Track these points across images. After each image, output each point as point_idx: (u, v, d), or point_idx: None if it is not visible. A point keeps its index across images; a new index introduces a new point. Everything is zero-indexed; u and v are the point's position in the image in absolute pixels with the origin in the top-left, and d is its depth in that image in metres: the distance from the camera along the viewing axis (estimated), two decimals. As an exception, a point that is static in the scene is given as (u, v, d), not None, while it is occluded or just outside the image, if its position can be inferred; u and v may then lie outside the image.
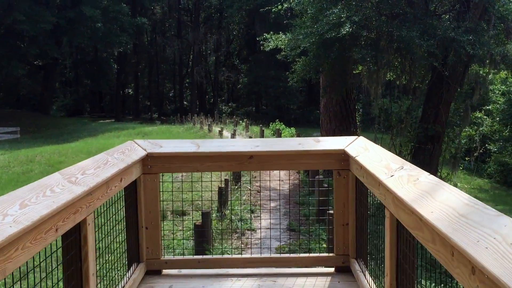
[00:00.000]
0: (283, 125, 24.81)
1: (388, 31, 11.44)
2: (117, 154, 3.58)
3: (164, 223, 8.01)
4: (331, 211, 4.27)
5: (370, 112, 40.20)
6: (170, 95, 71.84)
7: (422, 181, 2.52)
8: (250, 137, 18.82)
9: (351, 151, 3.79)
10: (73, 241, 2.70)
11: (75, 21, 40.75)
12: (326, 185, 10.02)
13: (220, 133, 22.81)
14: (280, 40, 13.86)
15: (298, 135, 18.78)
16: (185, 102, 64.16)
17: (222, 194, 9.61)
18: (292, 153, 4.05)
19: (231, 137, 20.21)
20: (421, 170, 2.75)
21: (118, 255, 3.77)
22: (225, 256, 5.58)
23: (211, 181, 8.54)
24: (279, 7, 14.36)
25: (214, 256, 5.06)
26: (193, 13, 59.24)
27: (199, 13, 60.38)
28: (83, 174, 2.83)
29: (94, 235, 2.92)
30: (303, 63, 13.47)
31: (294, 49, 12.85)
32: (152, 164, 4.02)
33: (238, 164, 4.24)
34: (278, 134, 20.70)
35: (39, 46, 40.15)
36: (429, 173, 2.62)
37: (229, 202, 10.29)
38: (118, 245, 3.79)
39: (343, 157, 3.93)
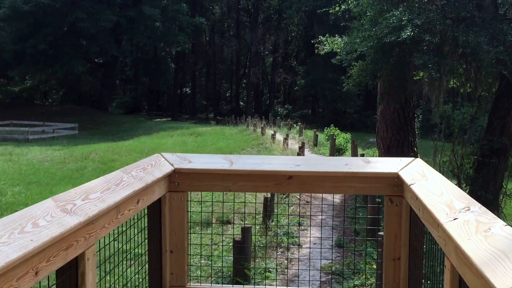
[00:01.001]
0: (338, 130, 24.04)
1: (453, 35, 10.62)
2: (137, 171, 3.13)
3: (202, 239, 7.63)
4: (381, 232, 3.72)
5: (430, 118, 38.84)
6: (227, 95, 72.09)
7: (497, 233, 1.90)
8: (303, 143, 18.24)
9: (406, 176, 3.21)
10: (67, 279, 2.24)
11: (135, 20, 41.30)
12: (378, 199, 9.39)
13: (273, 136, 22.32)
14: (336, 44, 13.21)
15: (353, 142, 18.04)
16: (241, 103, 64.18)
17: (268, 206, 9.13)
18: (338, 174, 3.49)
19: (283, 142, 19.69)
20: (494, 216, 2.14)
21: (136, 283, 3.35)
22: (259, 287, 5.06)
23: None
24: (337, 8, 13.73)
25: (246, 287, 4.56)
26: (252, 14, 59.08)
27: (258, 14, 60.19)
28: (84, 200, 2.34)
29: (95, 270, 2.44)
30: (360, 68, 12.78)
31: (350, 53, 12.16)
32: (180, 181, 3.55)
33: (275, 185, 3.70)
34: (332, 139, 20.02)
35: (99, 44, 40.93)
36: (505, 223, 2.02)
37: (275, 214, 9.80)
38: (136, 272, 3.36)
39: (396, 181, 3.35)
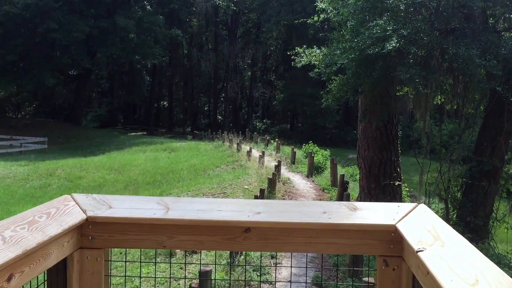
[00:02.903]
0: (317, 146, 23.04)
1: (442, 48, 9.68)
2: (16, 228, 2.03)
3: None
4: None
5: (409, 134, 38.18)
6: (205, 109, 71.08)
7: None
8: (279, 161, 17.18)
9: (408, 233, 2.16)
10: None
11: (108, 31, 40.03)
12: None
13: (249, 153, 21.24)
14: (314, 56, 12.21)
15: (332, 161, 17.04)
16: (219, 117, 63.16)
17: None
18: (313, 226, 2.40)
19: (259, 159, 18.62)
20: None
21: None
22: None
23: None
24: (315, 18, 12.77)
25: None
26: (231, 27, 58.27)
27: (237, 27, 59.44)
28: None
29: None
30: (340, 82, 11.79)
31: (329, 66, 11.11)
32: (95, 234, 2.42)
33: (227, 240, 2.58)
34: (310, 157, 19.02)
35: (71, 56, 39.55)
36: None
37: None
38: None
39: (393, 237, 2.29)
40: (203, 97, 70.82)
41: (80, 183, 21.57)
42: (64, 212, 2.32)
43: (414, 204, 2.54)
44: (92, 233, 2.39)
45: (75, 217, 2.33)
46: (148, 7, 47.51)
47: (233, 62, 56.49)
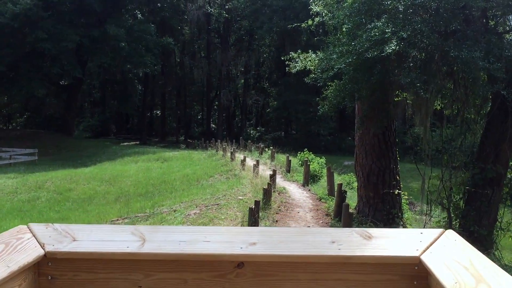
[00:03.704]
0: (312, 154, 22.56)
1: (443, 50, 9.24)
2: None
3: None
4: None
5: (405, 140, 37.79)
6: (198, 117, 70.60)
7: None
8: (274, 170, 16.67)
9: (438, 269, 1.68)
10: None
11: (99, 40, 39.45)
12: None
13: (243, 162, 20.73)
14: (309, 60, 11.72)
15: (329, 169, 16.56)
16: (213, 125, 62.70)
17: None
18: (320, 260, 1.92)
19: (253, 168, 18.13)
20: None
21: None
22: None
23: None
24: (310, 22, 12.31)
25: None
26: (223, 35, 57.90)
27: (229, 35, 59.09)
28: None
29: None
30: (336, 88, 11.34)
31: (325, 71, 10.63)
32: (56, 272, 1.93)
33: (216, 278, 2.06)
34: (306, 165, 18.53)
35: (61, 66, 38.94)
36: None
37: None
38: None
39: (416, 271, 1.82)
40: (196, 105, 70.34)
41: (70, 195, 20.99)
42: (16, 249, 1.83)
43: (439, 230, 2.05)
44: (52, 272, 1.90)
45: (30, 253, 1.84)
46: (139, 15, 47.07)
47: (226, 69, 56.10)
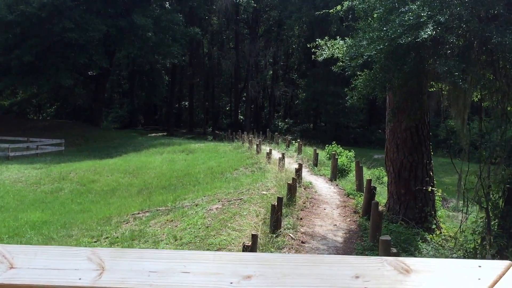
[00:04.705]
0: (340, 147, 21.78)
1: (484, 36, 8.42)
2: None
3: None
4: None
5: (437, 134, 36.63)
6: (227, 109, 70.20)
7: None
8: (300, 164, 15.98)
9: None
10: None
11: (126, 30, 39.20)
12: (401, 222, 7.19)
13: (268, 155, 20.10)
14: (337, 48, 10.99)
15: (357, 164, 15.80)
16: (241, 117, 62.21)
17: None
18: None
19: (279, 161, 17.48)
20: None
21: None
22: None
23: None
24: (338, 7, 11.57)
25: None
26: (252, 25, 57.21)
27: (258, 25, 58.39)
28: None
29: None
30: (366, 77, 10.59)
31: (354, 59, 9.88)
32: None
33: None
34: (334, 159, 17.81)
35: (89, 56, 38.84)
36: None
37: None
38: None
39: None
40: (225, 96, 69.92)
41: (93, 187, 20.70)
42: None
43: (505, 263, 1.38)
44: (-22, 312, 1.33)
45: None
46: (167, 5, 46.70)
47: (254, 60, 55.45)
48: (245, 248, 7.03)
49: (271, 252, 8.67)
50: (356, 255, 8.99)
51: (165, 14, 42.17)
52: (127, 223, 13.52)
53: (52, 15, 35.70)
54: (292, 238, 9.66)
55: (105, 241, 11.85)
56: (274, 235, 9.39)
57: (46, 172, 23.88)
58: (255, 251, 7.29)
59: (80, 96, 55.91)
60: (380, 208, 10.74)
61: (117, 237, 11.94)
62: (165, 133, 52.39)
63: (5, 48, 36.11)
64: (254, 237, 7.23)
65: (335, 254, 9.02)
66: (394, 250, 6.55)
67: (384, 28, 8.72)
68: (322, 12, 14.59)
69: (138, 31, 39.05)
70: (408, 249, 9.81)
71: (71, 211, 16.77)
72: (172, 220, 12.58)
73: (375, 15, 9.78)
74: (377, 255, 8.45)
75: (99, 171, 23.43)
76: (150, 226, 12.55)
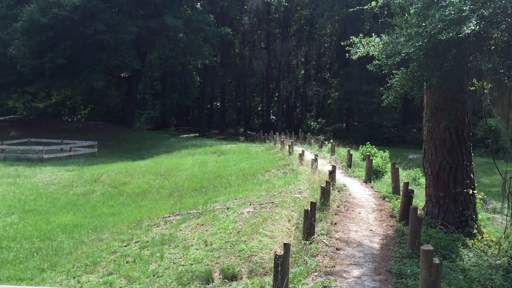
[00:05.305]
0: (375, 148, 21.20)
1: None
2: None
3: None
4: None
5: (475, 133, 35.57)
6: (259, 109, 69.94)
7: None
8: (334, 166, 15.52)
9: None
10: None
11: (157, 32, 39.25)
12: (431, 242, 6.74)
13: (301, 156, 19.67)
14: (373, 45, 10.53)
15: (393, 165, 15.27)
16: (272, 117, 61.83)
17: (279, 267, 6.57)
18: None
19: (312, 163, 17.05)
20: None
21: None
22: None
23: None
24: (373, 3, 11.12)
25: None
26: (283, 25, 56.78)
27: (289, 24, 57.93)
28: None
29: None
30: (403, 76, 10.11)
31: (391, 57, 9.40)
32: None
33: None
34: (368, 160, 17.30)
35: (121, 58, 39.02)
36: None
37: (291, 276, 7.20)
38: None
39: None
40: (256, 96, 69.67)
41: (125, 189, 20.60)
42: None
43: None
44: None
45: None
46: (198, 5, 46.65)
47: (286, 60, 55.02)
48: (277, 258, 6.67)
49: (304, 260, 8.29)
50: (394, 263, 8.56)
51: (196, 15, 42.11)
52: (157, 226, 13.31)
53: (84, 18, 35.96)
54: (326, 245, 9.26)
55: (135, 245, 11.64)
56: (307, 242, 9.00)
57: (78, 174, 23.95)
58: (288, 261, 6.92)
59: (112, 98, 56.40)
60: (418, 212, 10.24)
61: (147, 241, 11.72)
62: (197, 134, 52.41)
63: (38, 51, 36.52)
64: (286, 246, 6.87)
65: (371, 262, 8.60)
66: (436, 260, 6.09)
67: (423, 24, 8.24)
68: (355, 9, 14.11)
69: (169, 32, 39.06)
70: (449, 255, 9.29)
71: (102, 214, 16.68)
72: (202, 224, 12.29)
73: (412, 11, 9.29)
74: (417, 263, 7.98)
75: (130, 173, 23.36)
76: (180, 230, 12.29)
